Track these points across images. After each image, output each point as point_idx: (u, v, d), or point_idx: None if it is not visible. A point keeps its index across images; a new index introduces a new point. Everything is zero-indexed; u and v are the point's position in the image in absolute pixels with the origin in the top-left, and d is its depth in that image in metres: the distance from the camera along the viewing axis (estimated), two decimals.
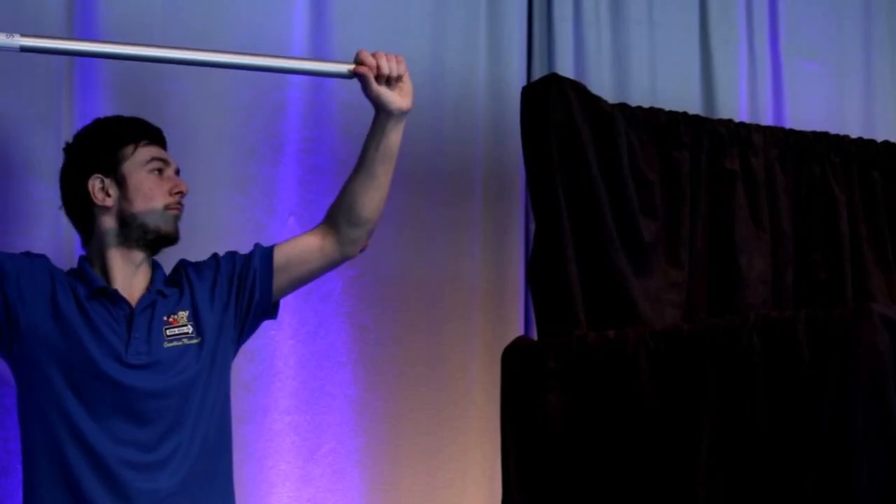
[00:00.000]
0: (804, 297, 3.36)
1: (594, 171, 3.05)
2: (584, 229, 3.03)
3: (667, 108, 3.27)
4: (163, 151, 2.86)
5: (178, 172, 2.88)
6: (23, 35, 2.56)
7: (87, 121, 3.40)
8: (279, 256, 2.89)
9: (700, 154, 3.27)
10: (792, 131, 3.45)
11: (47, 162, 3.33)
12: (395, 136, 2.85)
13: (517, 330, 3.82)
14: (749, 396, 2.60)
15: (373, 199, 2.90)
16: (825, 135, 3.48)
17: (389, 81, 2.79)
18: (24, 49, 2.57)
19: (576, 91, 3.07)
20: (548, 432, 2.94)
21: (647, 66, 4.14)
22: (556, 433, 2.93)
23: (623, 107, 3.17)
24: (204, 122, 3.50)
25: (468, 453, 3.80)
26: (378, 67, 2.77)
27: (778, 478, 2.56)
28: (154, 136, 2.87)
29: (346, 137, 3.68)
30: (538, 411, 2.95)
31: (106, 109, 3.41)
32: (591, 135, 3.06)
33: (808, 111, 4.37)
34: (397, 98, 2.80)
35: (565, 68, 3.93)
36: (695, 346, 2.71)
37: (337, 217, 2.91)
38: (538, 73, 3.93)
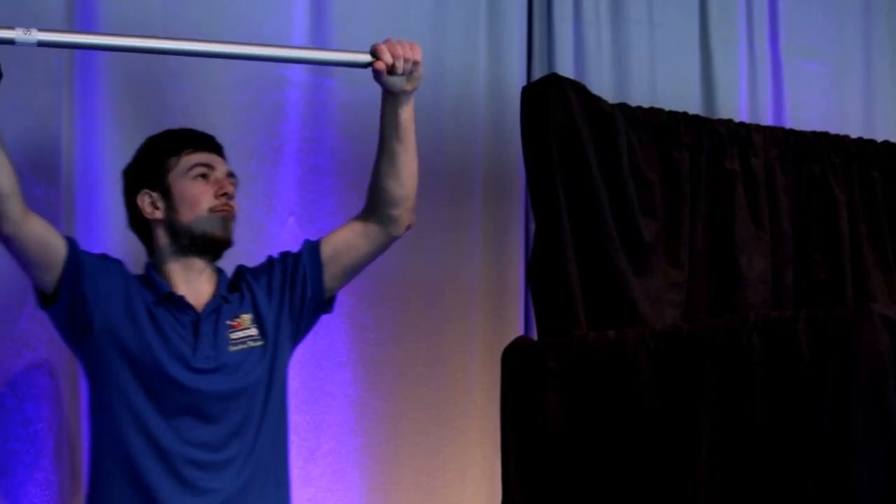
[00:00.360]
0: (804, 297, 3.36)
1: (594, 171, 3.05)
2: (584, 229, 3.03)
3: (667, 108, 3.28)
4: (209, 156, 2.87)
5: (230, 175, 2.88)
6: (40, 30, 2.56)
7: (87, 120, 3.41)
8: (326, 249, 2.91)
9: (700, 154, 3.27)
10: (792, 131, 3.45)
11: (47, 162, 3.33)
12: (405, 114, 2.85)
13: (517, 330, 3.82)
14: (749, 396, 2.60)
15: (399, 177, 2.89)
16: (825, 135, 3.48)
17: (403, 72, 2.79)
18: (41, 44, 2.57)
19: (576, 91, 3.07)
20: (548, 432, 2.94)
21: (647, 66, 4.14)
22: (556, 433, 2.93)
23: (623, 107, 3.17)
24: (204, 122, 3.49)
25: (468, 453, 3.80)
26: (393, 66, 2.77)
27: (778, 478, 2.56)
28: (199, 142, 2.88)
29: (346, 137, 3.68)
30: (538, 411, 2.95)
31: (106, 109, 3.41)
32: (591, 135, 3.06)
33: (808, 111, 4.37)
34: (404, 82, 2.80)
35: (565, 68, 3.93)
36: (695, 346, 2.71)
37: (373, 200, 2.92)
38: (538, 73, 3.93)
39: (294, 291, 2.88)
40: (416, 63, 2.79)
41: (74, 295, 2.73)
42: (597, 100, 3.11)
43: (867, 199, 3.50)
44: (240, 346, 2.80)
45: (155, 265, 2.85)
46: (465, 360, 3.81)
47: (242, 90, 3.54)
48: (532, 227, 3.55)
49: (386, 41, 2.78)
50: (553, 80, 3.06)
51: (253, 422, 2.78)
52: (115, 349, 2.73)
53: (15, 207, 2.67)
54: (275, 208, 3.59)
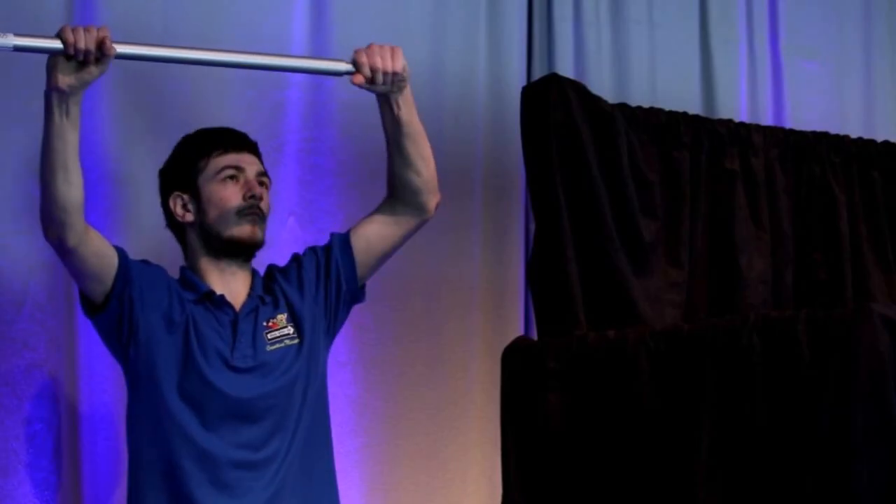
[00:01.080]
0: (804, 297, 3.36)
1: (594, 171, 3.05)
2: (584, 229, 3.03)
3: (667, 108, 3.28)
4: (239, 156, 2.86)
5: (262, 175, 2.88)
6: (16, 35, 2.56)
7: (87, 120, 3.40)
8: (358, 240, 2.92)
9: (700, 154, 3.27)
10: (792, 131, 3.45)
11: None
12: (402, 108, 2.84)
13: (517, 330, 3.81)
14: (749, 396, 2.60)
15: (415, 166, 2.89)
16: (825, 135, 3.48)
17: (383, 84, 2.77)
18: (17, 49, 2.56)
19: (576, 91, 3.07)
20: (548, 432, 2.94)
21: (647, 66, 4.14)
22: (556, 433, 2.93)
23: (623, 107, 3.17)
24: (204, 122, 3.49)
25: (468, 453, 3.80)
26: (372, 79, 2.75)
27: (778, 478, 2.56)
28: (229, 143, 2.87)
29: (346, 137, 3.68)
30: (538, 411, 2.95)
31: (106, 109, 3.41)
32: (591, 135, 3.06)
33: (808, 111, 4.37)
34: (388, 88, 2.78)
35: (565, 68, 3.93)
36: (695, 346, 2.71)
37: (396, 190, 2.93)
38: (538, 73, 3.93)
39: (329, 285, 2.89)
40: (395, 74, 2.75)
41: (123, 303, 2.74)
42: (597, 100, 3.11)
43: (867, 199, 3.50)
44: (277, 346, 2.81)
45: (190, 267, 2.86)
46: (465, 360, 3.81)
47: (242, 90, 3.54)
48: (532, 227, 3.55)
49: (367, 48, 2.74)
50: (553, 80, 3.06)
51: (292, 418, 2.79)
52: (159, 356, 2.74)
53: (80, 221, 2.67)
54: (275, 208, 3.58)
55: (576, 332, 3.03)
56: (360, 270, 2.93)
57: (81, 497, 3.32)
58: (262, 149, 3.57)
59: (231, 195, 2.83)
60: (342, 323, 2.96)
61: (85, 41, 2.55)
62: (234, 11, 3.58)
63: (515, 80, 3.88)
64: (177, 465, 2.71)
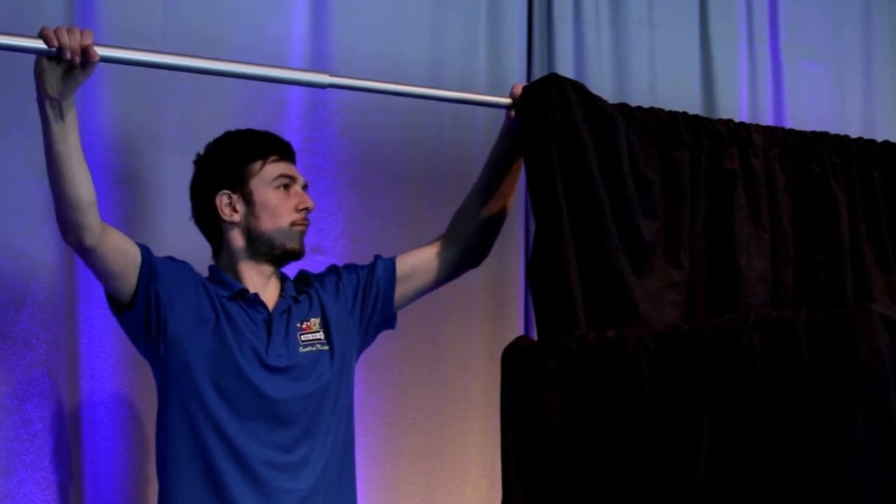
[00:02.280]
0: (804, 297, 3.36)
1: (594, 171, 3.04)
2: (584, 229, 3.03)
3: (667, 108, 3.27)
4: (291, 167, 2.92)
5: (305, 187, 2.93)
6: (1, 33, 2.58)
7: (87, 121, 3.40)
8: (402, 267, 3.00)
9: (700, 154, 3.26)
10: (792, 131, 3.45)
11: None
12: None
13: (517, 330, 3.82)
14: (749, 396, 2.60)
15: (498, 211, 3.07)
16: (825, 135, 3.48)
17: None
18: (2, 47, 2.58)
19: (576, 91, 3.07)
20: (548, 432, 2.94)
21: (647, 66, 4.14)
22: (555, 433, 2.93)
23: (623, 107, 3.17)
24: (204, 122, 3.50)
25: (468, 453, 3.80)
26: None
27: (778, 478, 2.56)
28: (283, 151, 2.92)
29: (346, 137, 3.68)
30: (538, 411, 2.95)
31: (106, 109, 3.41)
32: (591, 135, 3.05)
33: (808, 111, 4.37)
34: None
35: (565, 68, 3.93)
36: (695, 346, 2.71)
37: (459, 229, 3.04)
38: (538, 73, 3.93)
39: (366, 304, 2.94)
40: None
41: (149, 300, 2.76)
42: (597, 100, 3.11)
43: (867, 199, 3.49)
44: (309, 348, 2.86)
45: (224, 264, 2.88)
46: (465, 360, 3.81)
47: (242, 90, 3.54)
48: (532, 227, 3.56)
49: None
50: (553, 80, 3.06)
51: (322, 424, 2.82)
52: (191, 352, 2.77)
53: (96, 219, 2.69)
54: None
55: (576, 332, 3.02)
56: (397, 297, 2.99)
57: (82, 497, 3.32)
58: None
59: (284, 205, 2.88)
60: (369, 343, 3.01)
61: (69, 41, 2.55)
62: (234, 11, 3.58)
63: (515, 80, 3.88)
64: (212, 461, 2.74)
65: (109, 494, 3.36)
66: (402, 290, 2.99)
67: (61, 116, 2.60)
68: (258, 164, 2.88)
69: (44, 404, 3.27)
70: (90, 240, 2.68)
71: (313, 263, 3.14)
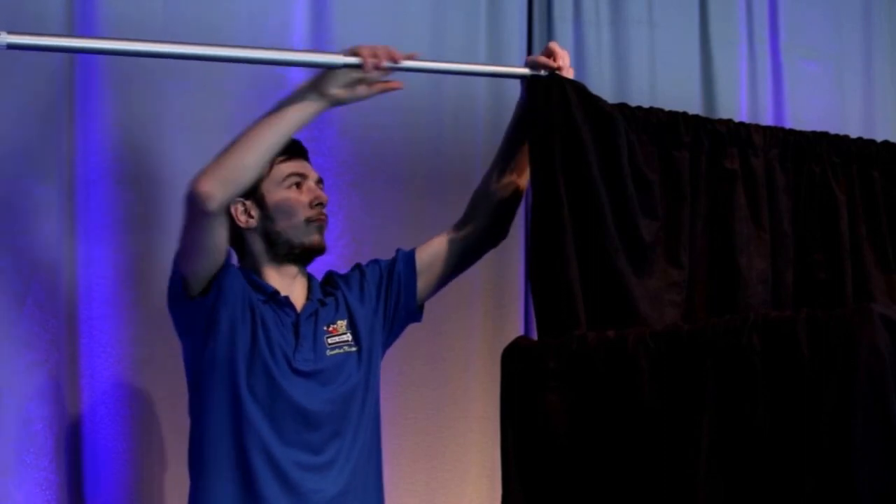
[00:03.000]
0: (804, 297, 3.36)
1: (594, 171, 3.04)
2: (585, 229, 3.03)
3: (667, 108, 3.28)
4: (301, 164, 2.93)
5: (320, 182, 2.93)
6: (9, 32, 2.57)
7: (87, 120, 3.41)
8: (422, 256, 3.00)
9: (700, 154, 3.26)
10: (792, 131, 3.45)
11: (48, 162, 3.33)
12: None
13: (517, 330, 3.82)
14: (749, 396, 2.60)
15: (518, 185, 3.07)
16: (825, 135, 3.48)
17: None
18: (10, 46, 2.57)
19: (576, 91, 3.07)
20: (547, 432, 2.94)
21: (647, 66, 4.15)
22: (555, 433, 2.93)
23: (623, 107, 3.17)
24: (204, 122, 3.50)
25: (468, 453, 3.80)
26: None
27: (778, 478, 2.56)
28: (292, 150, 2.93)
29: (345, 137, 3.69)
30: (538, 411, 2.95)
31: (107, 109, 3.41)
32: (592, 135, 3.05)
33: (808, 111, 4.37)
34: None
35: None
36: (695, 346, 2.71)
37: (480, 207, 3.05)
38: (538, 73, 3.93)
39: (389, 299, 2.95)
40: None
41: (217, 290, 2.79)
42: (597, 100, 3.11)
43: (867, 199, 3.49)
44: (336, 351, 2.87)
45: (250, 270, 2.89)
46: (466, 360, 3.81)
47: (242, 90, 3.54)
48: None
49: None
50: (554, 80, 3.06)
51: (350, 426, 2.84)
52: (233, 348, 2.79)
53: (231, 198, 2.78)
54: None
55: (576, 332, 3.02)
56: (420, 289, 3.00)
57: (82, 497, 3.32)
58: None
59: (298, 203, 2.89)
60: (395, 339, 3.01)
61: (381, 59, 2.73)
62: (235, 11, 3.58)
63: (515, 80, 3.89)
64: (247, 458, 2.75)
65: (109, 494, 3.36)
66: (425, 281, 3.00)
67: (313, 114, 2.76)
68: (266, 167, 2.88)
69: (44, 404, 3.27)
70: (216, 205, 2.72)
71: (314, 263, 3.14)
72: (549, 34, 4.03)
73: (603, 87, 3.91)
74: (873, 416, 2.42)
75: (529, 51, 4.01)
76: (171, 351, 3.38)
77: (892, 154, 3.57)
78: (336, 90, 2.74)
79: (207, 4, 3.55)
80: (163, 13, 3.48)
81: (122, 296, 3.39)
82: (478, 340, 3.81)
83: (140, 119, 3.46)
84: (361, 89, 2.76)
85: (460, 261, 3.05)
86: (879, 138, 3.64)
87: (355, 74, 2.72)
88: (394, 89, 2.78)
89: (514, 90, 3.80)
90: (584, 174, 3.05)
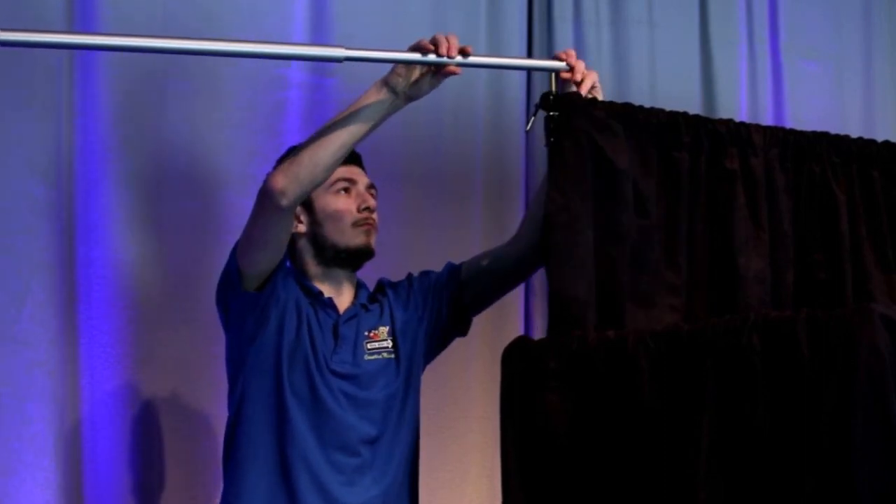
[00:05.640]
0: (804, 297, 3.36)
1: (594, 171, 3.05)
2: (584, 229, 3.03)
3: (667, 108, 3.27)
4: (351, 169, 2.94)
5: (371, 187, 2.94)
6: (3, 30, 2.57)
7: (87, 120, 3.41)
8: (467, 270, 2.99)
9: (700, 154, 3.26)
10: (792, 131, 3.44)
11: (48, 161, 3.33)
12: None
13: (517, 330, 3.82)
14: (749, 396, 2.60)
15: None
16: (825, 135, 3.48)
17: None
18: (5, 43, 2.57)
19: (576, 93, 3.07)
20: (548, 432, 2.94)
21: (647, 66, 4.15)
22: (556, 433, 2.93)
23: (622, 107, 3.17)
24: (204, 122, 3.50)
25: (468, 453, 3.80)
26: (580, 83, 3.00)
27: (778, 478, 2.56)
28: None
29: None
30: (538, 411, 2.95)
31: (107, 110, 3.42)
32: (591, 135, 3.05)
33: (808, 111, 4.37)
34: None
35: None
36: (695, 346, 2.71)
37: (533, 224, 3.00)
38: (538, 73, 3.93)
39: (433, 310, 2.95)
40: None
41: (273, 283, 2.80)
42: (596, 100, 3.11)
43: (867, 199, 3.49)
44: (374, 356, 2.88)
45: (299, 272, 2.89)
46: (466, 360, 3.81)
47: (242, 90, 3.54)
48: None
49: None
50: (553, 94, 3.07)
51: (388, 433, 2.86)
52: (283, 347, 2.80)
53: (303, 196, 2.78)
54: None
55: (575, 332, 3.03)
56: (465, 302, 2.98)
57: (82, 497, 3.32)
58: (262, 149, 3.59)
59: (346, 207, 2.90)
60: (440, 351, 3.01)
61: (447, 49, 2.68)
62: (235, 11, 3.58)
63: (515, 79, 3.89)
64: (285, 456, 2.76)
65: (109, 494, 3.36)
66: (472, 294, 2.99)
67: (391, 111, 2.73)
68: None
69: (44, 404, 3.28)
70: (289, 202, 2.72)
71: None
72: (549, 34, 4.03)
73: (603, 87, 3.90)
74: (873, 416, 2.42)
75: (529, 51, 4.01)
76: (171, 351, 3.39)
77: (892, 154, 3.57)
78: (406, 86, 2.71)
79: (207, 5, 3.55)
80: (162, 14, 3.48)
81: (122, 296, 3.39)
82: (478, 341, 3.81)
83: (140, 119, 3.46)
84: (430, 81, 2.73)
85: (504, 279, 3.04)
86: (879, 138, 3.64)
87: (422, 68, 2.68)
88: (453, 74, 2.73)
89: (514, 90, 3.82)
90: (584, 174, 3.06)
